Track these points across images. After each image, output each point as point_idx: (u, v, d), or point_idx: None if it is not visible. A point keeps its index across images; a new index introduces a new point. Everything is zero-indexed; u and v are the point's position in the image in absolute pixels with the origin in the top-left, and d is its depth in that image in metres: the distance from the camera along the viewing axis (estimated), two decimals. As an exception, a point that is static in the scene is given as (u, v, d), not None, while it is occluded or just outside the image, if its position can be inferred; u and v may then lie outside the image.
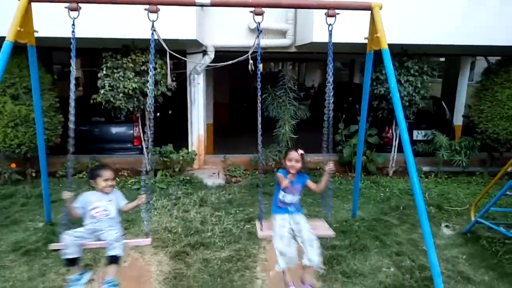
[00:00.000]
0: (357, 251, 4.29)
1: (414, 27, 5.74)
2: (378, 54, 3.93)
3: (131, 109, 6.21)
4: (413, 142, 7.34)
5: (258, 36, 3.40)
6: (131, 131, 7.67)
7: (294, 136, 7.08)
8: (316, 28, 5.68)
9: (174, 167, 6.77)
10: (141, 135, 7.02)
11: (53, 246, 3.20)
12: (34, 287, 3.56)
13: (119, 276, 3.07)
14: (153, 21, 3.33)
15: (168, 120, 9.11)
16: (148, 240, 3.31)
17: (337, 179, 6.88)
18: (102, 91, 6.04)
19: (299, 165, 3.26)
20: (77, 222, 3.26)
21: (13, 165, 6.26)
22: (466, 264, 4.10)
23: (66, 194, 3.15)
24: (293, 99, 7.12)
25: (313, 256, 3.03)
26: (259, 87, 3.39)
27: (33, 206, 5.44)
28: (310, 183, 3.39)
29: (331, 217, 3.93)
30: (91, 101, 6.25)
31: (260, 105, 3.39)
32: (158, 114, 8.44)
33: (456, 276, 3.85)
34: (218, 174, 7.05)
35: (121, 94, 5.98)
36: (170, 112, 9.57)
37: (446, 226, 5.05)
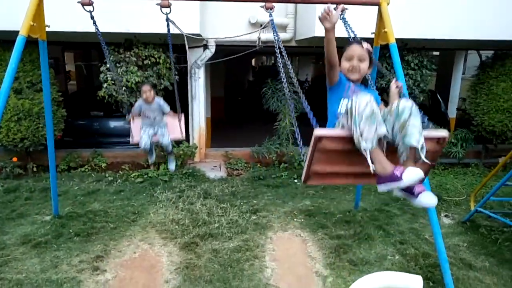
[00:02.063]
0: (362, 240, 4.41)
1: (415, 22, 5.83)
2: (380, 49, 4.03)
3: (133, 102, 6.21)
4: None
5: (274, 30, 3.44)
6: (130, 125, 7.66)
7: (294, 129, 7.16)
8: (318, 23, 5.73)
9: (176, 160, 6.80)
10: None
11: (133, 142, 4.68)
12: (47, 278, 3.61)
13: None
14: (167, 14, 3.37)
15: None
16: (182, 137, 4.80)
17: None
18: (105, 85, 6.03)
19: (364, 66, 2.29)
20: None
21: (15, 159, 6.24)
22: (467, 252, 4.25)
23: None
24: (293, 92, 7.19)
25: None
26: (283, 77, 3.06)
27: (38, 200, 5.45)
28: (382, 106, 2.35)
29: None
30: (97, 97, 6.25)
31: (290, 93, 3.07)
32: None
33: (458, 263, 4.00)
34: (220, 167, 7.12)
35: (123, 88, 5.98)
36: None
37: (446, 215, 5.21)
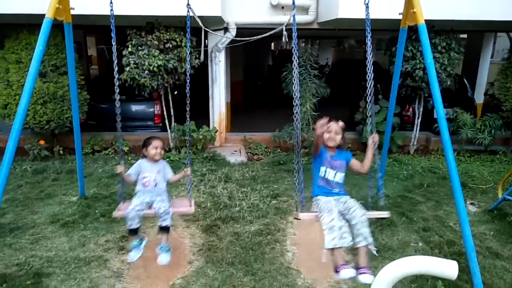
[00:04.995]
0: (384, 226, 4.36)
1: (442, 2, 5.61)
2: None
3: (155, 86, 6.26)
4: (435, 121, 7.30)
5: (293, 10, 3.39)
6: (152, 109, 7.75)
7: (315, 114, 7.08)
8: (342, 4, 5.59)
9: (196, 144, 6.86)
10: (163, 112, 7.08)
11: (116, 214, 3.46)
12: (75, 256, 3.72)
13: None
14: None
15: (185, 98, 9.13)
16: (191, 209, 3.60)
17: (358, 157, 6.89)
18: (127, 69, 6.08)
19: (339, 137, 3.02)
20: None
21: (42, 142, 6.40)
22: (494, 240, 4.15)
23: (119, 168, 3.43)
24: (314, 76, 7.09)
25: (367, 234, 2.77)
26: (295, 62, 3.28)
27: (65, 181, 5.61)
28: (355, 162, 3.13)
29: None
30: (119, 81, 6.29)
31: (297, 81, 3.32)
32: (176, 92, 8.48)
33: (484, 251, 3.91)
34: (240, 152, 7.13)
35: (146, 72, 6.02)
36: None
37: (472, 203, 5.08)
